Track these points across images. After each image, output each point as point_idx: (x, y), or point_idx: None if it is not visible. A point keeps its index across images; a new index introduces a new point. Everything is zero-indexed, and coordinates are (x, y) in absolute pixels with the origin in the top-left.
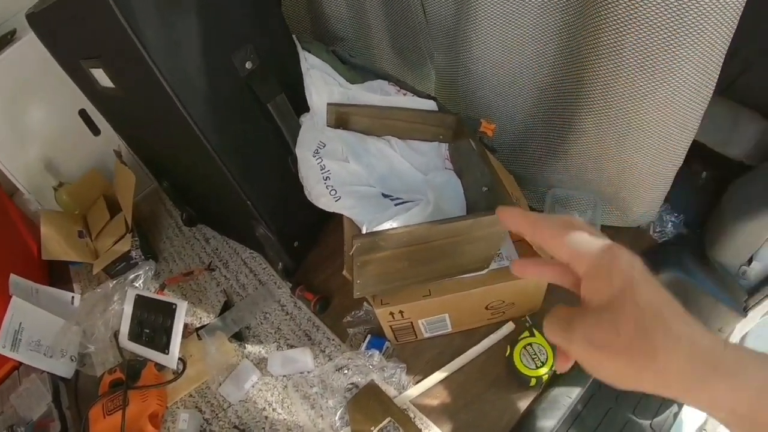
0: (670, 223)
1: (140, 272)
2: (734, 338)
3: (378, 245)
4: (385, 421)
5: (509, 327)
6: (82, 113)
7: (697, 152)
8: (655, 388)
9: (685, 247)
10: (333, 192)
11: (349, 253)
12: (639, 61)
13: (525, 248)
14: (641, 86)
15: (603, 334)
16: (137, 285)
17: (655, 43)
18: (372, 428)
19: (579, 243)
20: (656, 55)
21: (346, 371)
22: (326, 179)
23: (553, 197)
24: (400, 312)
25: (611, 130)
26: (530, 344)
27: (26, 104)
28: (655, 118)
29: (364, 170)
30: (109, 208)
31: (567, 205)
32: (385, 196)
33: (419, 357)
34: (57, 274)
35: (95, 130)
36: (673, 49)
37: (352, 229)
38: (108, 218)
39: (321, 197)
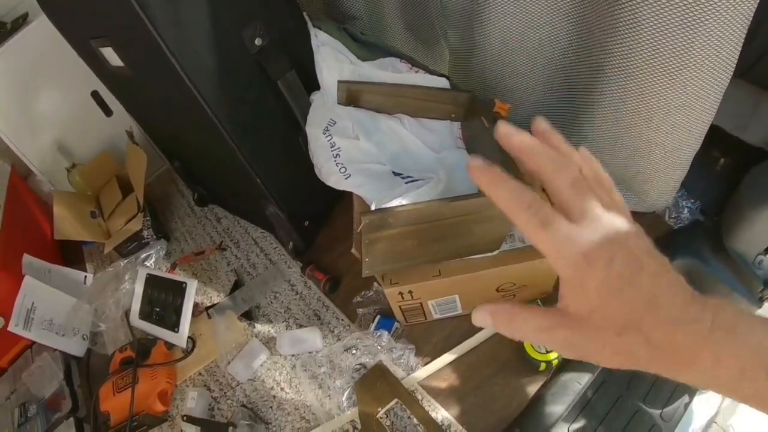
0: (686, 209)
1: (152, 252)
2: None
3: (387, 222)
4: (392, 403)
5: None
6: (95, 95)
7: (715, 137)
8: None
9: (700, 234)
10: (343, 170)
11: (357, 230)
12: (657, 39)
13: None
14: (659, 64)
15: (586, 344)
16: (148, 264)
17: (673, 19)
18: (379, 409)
19: (559, 242)
20: (674, 32)
21: (354, 351)
22: (336, 157)
23: None
24: (410, 292)
25: (628, 111)
26: None
27: (39, 87)
28: (674, 97)
29: (374, 148)
30: (122, 188)
31: None
32: (395, 174)
33: (428, 338)
34: (70, 255)
35: (107, 111)
36: (692, 26)
37: (361, 208)
38: (120, 198)
39: (331, 175)
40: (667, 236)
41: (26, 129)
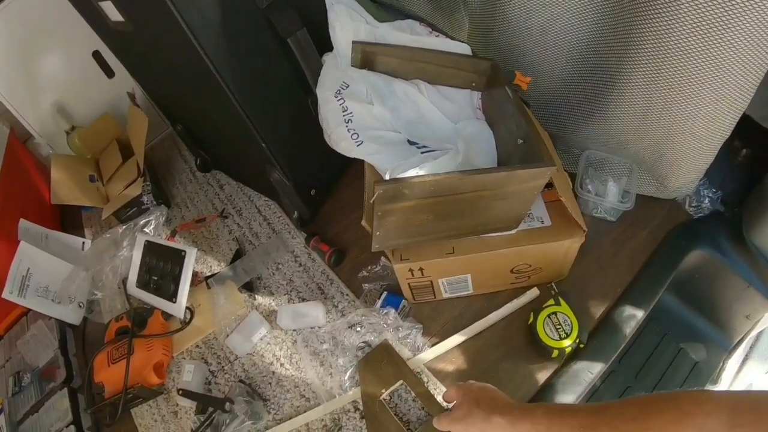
0: (707, 199)
1: (151, 218)
2: (762, 326)
3: (401, 194)
4: (397, 384)
5: (534, 293)
6: (96, 55)
7: (740, 128)
8: None
9: (720, 224)
10: (355, 136)
11: (369, 200)
12: (695, 17)
13: (557, 210)
14: (696, 44)
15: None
16: (148, 231)
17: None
18: (383, 391)
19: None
20: (712, 11)
21: (359, 329)
22: (348, 122)
23: (588, 159)
24: (420, 269)
25: (660, 91)
26: (555, 313)
27: (40, 48)
28: (709, 80)
29: (389, 114)
30: (122, 152)
31: (601, 169)
32: (410, 143)
33: (437, 318)
34: (68, 220)
35: (109, 73)
36: (731, 4)
37: (373, 177)
38: (120, 162)
39: (341, 141)
40: (686, 225)
41: (26, 91)
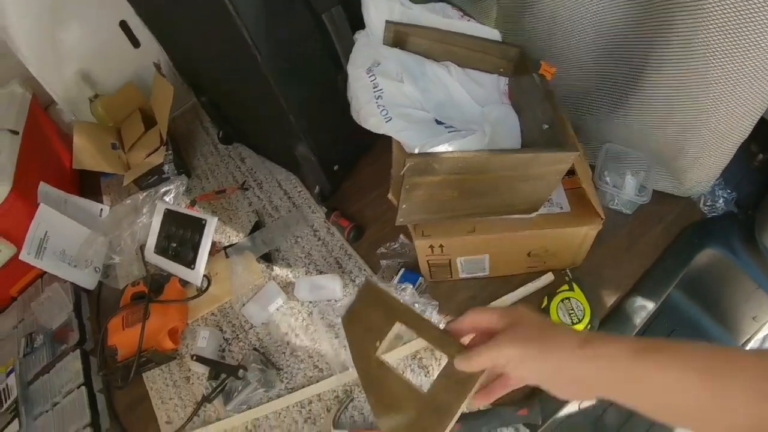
0: (721, 199)
1: (171, 187)
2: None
3: (431, 168)
4: (395, 329)
5: (548, 278)
6: (123, 25)
7: (756, 133)
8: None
9: (734, 225)
10: (384, 112)
11: (399, 173)
12: (721, 16)
13: (576, 197)
14: (721, 43)
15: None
16: (167, 200)
17: None
18: (377, 344)
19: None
20: (739, 11)
21: None
22: (378, 98)
23: (607, 152)
24: (441, 246)
25: (683, 86)
26: (568, 298)
27: (66, 15)
28: (732, 79)
29: (419, 93)
30: (145, 122)
31: (620, 162)
32: (438, 122)
33: (452, 297)
34: (87, 188)
35: (135, 43)
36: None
37: (401, 153)
38: (142, 131)
39: (370, 117)
40: (700, 223)
41: (51, 57)
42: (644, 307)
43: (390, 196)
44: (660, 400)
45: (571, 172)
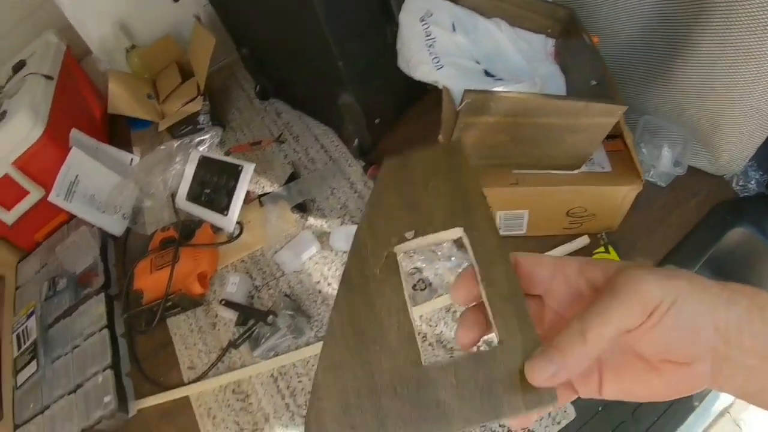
0: (754, 180)
1: (206, 137)
2: None
3: (488, 106)
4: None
5: (583, 240)
6: None
7: None
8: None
9: (765, 207)
10: (436, 60)
11: (456, 109)
12: None
13: (617, 159)
14: (763, 18)
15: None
16: (201, 150)
17: None
18: (408, 234)
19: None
20: None
21: (411, 254)
22: (430, 46)
23: (645, 124)
24: None
25: (724, 58)
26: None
27: None
28: None
29: (470, 45)
30: (181, 76)
31: (657, 135)
32: (487, 75)
33: None
34: (118, 140)
35: None
36: None
37: (450, 101)
38: (179, 83)
39: (421, 65)
40: (731, 202)
41: (89, 7)
42: None
43: (440, 137)
44: None
45: (611, 136)
